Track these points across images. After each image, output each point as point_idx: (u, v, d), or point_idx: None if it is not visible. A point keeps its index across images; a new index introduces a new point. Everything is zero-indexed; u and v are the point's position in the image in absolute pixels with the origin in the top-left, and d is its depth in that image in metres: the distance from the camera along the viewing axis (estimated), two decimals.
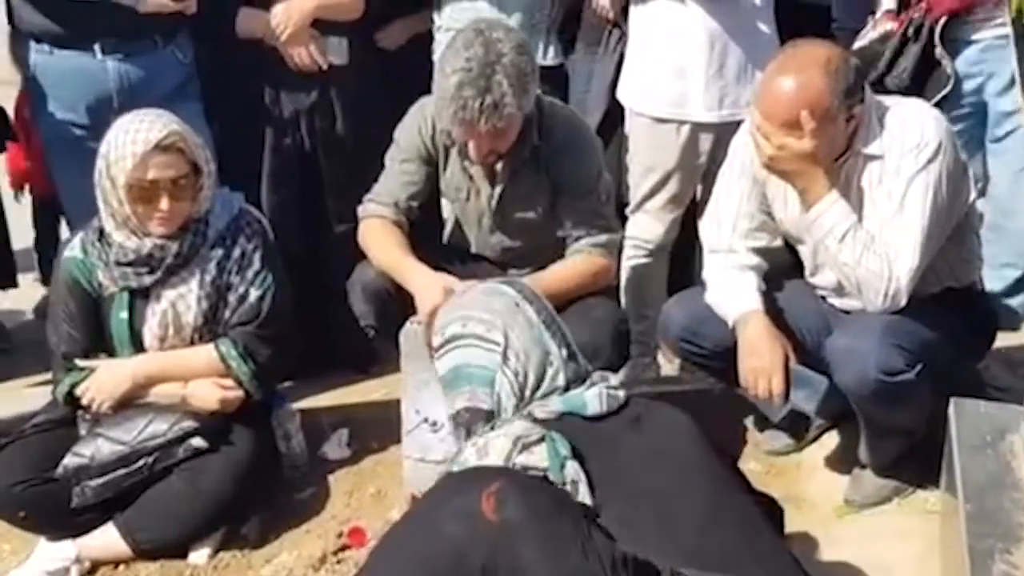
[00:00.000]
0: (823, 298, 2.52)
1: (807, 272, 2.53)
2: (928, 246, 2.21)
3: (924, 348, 2.22)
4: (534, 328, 1.89)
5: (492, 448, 1.72)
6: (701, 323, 2.50)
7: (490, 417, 1.85)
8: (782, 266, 2.57)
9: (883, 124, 2.26)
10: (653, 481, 1.68)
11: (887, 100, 2.37)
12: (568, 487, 1.66)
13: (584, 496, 1.66)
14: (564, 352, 1.89)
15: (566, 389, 1.86)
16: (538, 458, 1.68)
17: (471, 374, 1.88)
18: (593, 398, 1.84)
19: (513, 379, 1.85)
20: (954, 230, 2.33)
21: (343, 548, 2.40)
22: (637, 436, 1.77)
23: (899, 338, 2.20)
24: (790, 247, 2.56)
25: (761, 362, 2.33)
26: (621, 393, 1.87)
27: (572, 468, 1.68)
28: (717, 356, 2.48)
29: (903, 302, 2.21)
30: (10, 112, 3.71)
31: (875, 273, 2.19)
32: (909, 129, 2.23)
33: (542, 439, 1.71)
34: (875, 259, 2.19)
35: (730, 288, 2.45)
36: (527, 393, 1.85)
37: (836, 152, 2.26)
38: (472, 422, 1.87)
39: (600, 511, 1.64)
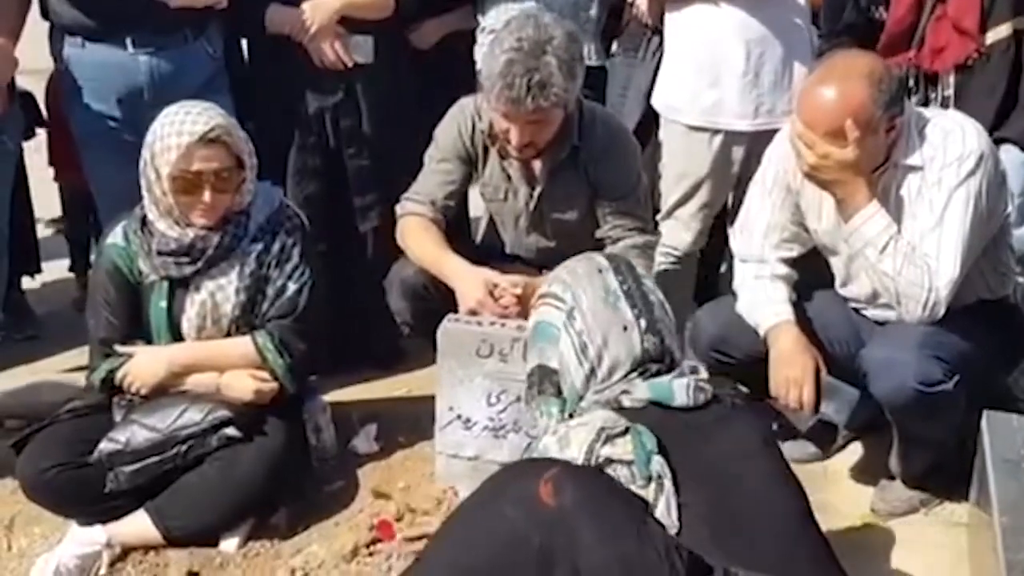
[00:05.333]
0: (855, 309, 2.53)
1: (838, 283, 2.55)
2: (967, 257, 2.23)
3: (960, 359, 2.24)
4: (609, 293, 1.83)
5: (574, 438, 1.68)
6: (731, 333, 2.52)
7: (555, 377, 1.83)
8: (811, 276, 2.58)
9: (923, 136, 2.28)
10: (739, 481, 1.66)
11: (927, 112, 2.39)
12: (653, 483, 1.62)
13: (670, 493, 1.62)
14: (643, 322, 1.80)
15: (644, 365, 1.78)
16: (622, 450, 1.65)
17: (544, 330, 1.86)
18: (681, 389, 1.76)
19: (576, 336, 1.80)
20: (990, 242, 2.35)
21: (374, 541, 2.41)
22: (723, 433, 1.72)
23: (937, 349, 2.22)
24: (818, 258, 2.58)
25: (793, 372, 2.35)
26: (710, 388, 1.80)
27: (658, 463, 1.64)
28: (746, 366, 2.50)
29: (941, 312, 2.22)
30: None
31: (915, 284, 2.21)
32: (951, 141, 2.24)
33: (626, 431, 1.67)
34: (915, 270, 2.21)
35: (761, 298, 2.47)
36: (591, 352, 1.79)
37: (876, 163, 2.27)
38: (541, 380, 1.85)
39: (685, 507, 1.61)
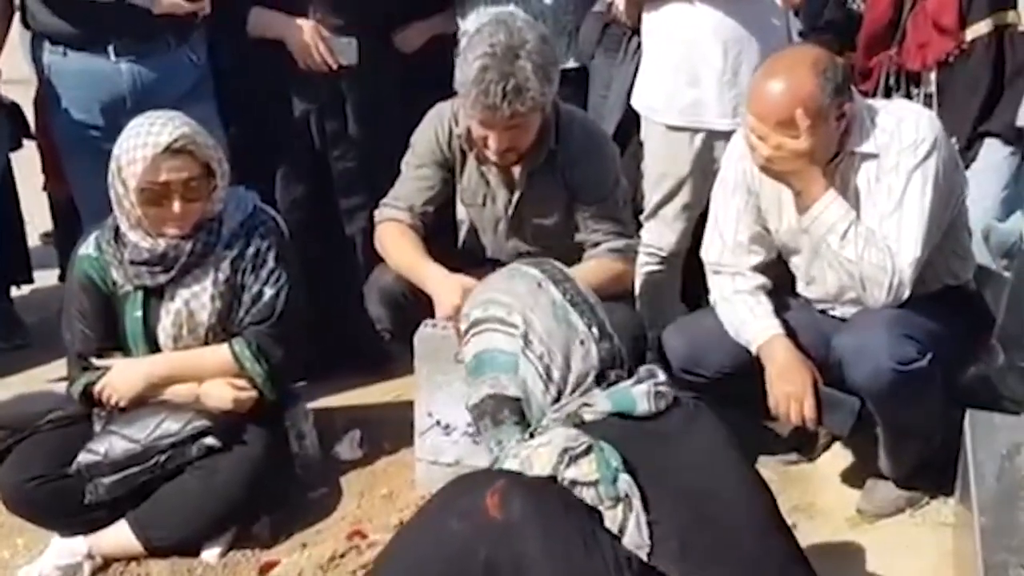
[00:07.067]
0: (820, 311, 2.51)
1: (800, 284, 2.54)
2: (928, 238, 2.25)
3: (931, 338, 2.24)
4: (557, 307, 1.76)
5: (536, 460, 1.61)
6: (701, 352, 2.49)
7: (517, 404, 1.75)
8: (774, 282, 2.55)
9: (875, 123, 2.30)
10: (709, 491, 1.62)
11: (877, 102, 2.41)
12: (621, 504, 1.57)
13: (639, 511, 1.57)
14: (595, 330, 1.76)
15: (604, 374, 1.74)
16: (587, 470, 1.59)
17: (494, 359, 1.77)
18: (642, 396, 1.71)
19: (537, 362, 1.73)
20: (948, 226, 2.36)
21: (352, 549, 2.40)
22: (689, 438, 1.69)
23: (906, 328, 2.23)
24: (777, 264, 2.55)
25: (792, 387, 2.33)
26: (670, 391, 1.76)
27: (625, 482, 1.59)
28: (718, 382, 2.47)
29: (905, 295, 2.24)
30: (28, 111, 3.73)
31: (878, 267, 2.22)
32: (905, 126, 2.26)
33: (589, 449, 1.61)
34: (877, 253, 2.22)
35: (746, 315, 2.44)
36: (556, 375, 1.73)
37: (830, 152, 2.28)
38: (498, 410, 1.76)
39: (655, 524, 1.57)
